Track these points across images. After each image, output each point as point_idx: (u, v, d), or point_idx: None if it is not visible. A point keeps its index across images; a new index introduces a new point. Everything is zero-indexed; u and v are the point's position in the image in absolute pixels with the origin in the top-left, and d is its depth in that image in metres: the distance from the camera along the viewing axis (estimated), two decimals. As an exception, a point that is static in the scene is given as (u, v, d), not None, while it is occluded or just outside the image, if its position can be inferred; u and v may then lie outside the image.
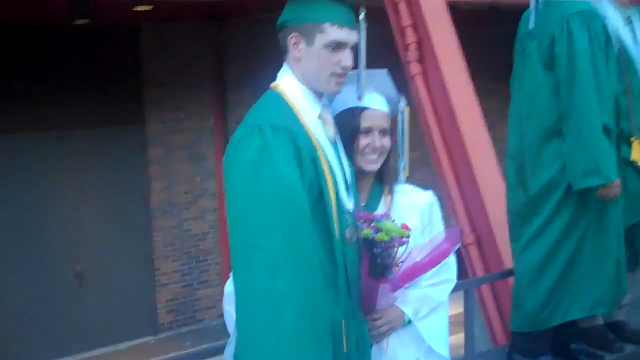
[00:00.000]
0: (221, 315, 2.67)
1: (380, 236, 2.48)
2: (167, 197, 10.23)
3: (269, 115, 2.38)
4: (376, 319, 2.68)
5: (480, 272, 5.39)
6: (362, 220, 2.53)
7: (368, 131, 2.73)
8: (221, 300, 2.73)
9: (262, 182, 2.25)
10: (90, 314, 9.76)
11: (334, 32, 2.41)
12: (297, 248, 2.24)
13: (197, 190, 10.43)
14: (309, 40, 2.42)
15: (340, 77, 2.46)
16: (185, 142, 10.33)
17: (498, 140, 12.51)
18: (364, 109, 2.74)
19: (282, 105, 2.44)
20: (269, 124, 2.32)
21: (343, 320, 2.40)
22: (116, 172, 9.92)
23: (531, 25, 3.86)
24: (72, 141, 9.58)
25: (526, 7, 4.02)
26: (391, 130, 2.81)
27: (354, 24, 2.46)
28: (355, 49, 2.48)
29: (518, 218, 3.98)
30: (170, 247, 10.27)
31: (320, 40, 2.41)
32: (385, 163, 2.79)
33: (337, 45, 2.42)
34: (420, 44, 6.11)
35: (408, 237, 2.52)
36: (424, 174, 11.32)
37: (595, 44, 3.69)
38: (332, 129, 2.56)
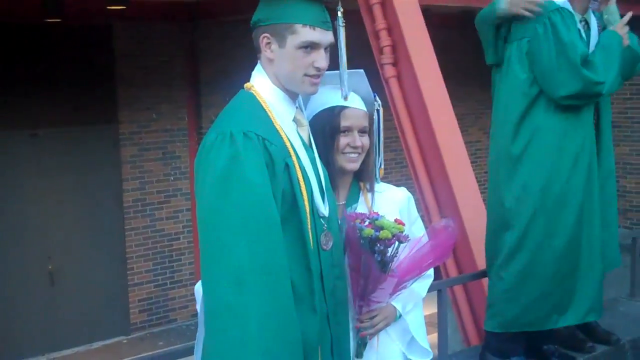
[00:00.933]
0: (194, 315, 2.68)
1: (384, 234, 2.53)
2: (140, 197, 10.19)
3: (242, 120, 2.33)
4: (374, 317, 2.72)
5: (453, 273, 5.43)
6: (359, 220, 2.57)
7: (348, 130, 2.74)
8: (194, 300, 2.75)
9: (231, 194, 2.21)
10: (62, 313, 9.70)
11: (306, 33, 2.35)
12: (265, 262, 2.20)
13: (170, 190, 10.40)
14: (281, 41, 2.37)
15: (315, 77, 2.41)
16: (159, 142, 10.30)
17: (471, 144, 12.62)
18: (343, 108, 2.74)
19: (256, 108, 2.40)
20: (241, 130, 2.27)
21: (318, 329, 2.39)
22: (89, 171, 9.86)
23: (504, 32, 3.94)
24: (44, 140, 9.52)
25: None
26: (368, 129, 2.84)
27: (327, 25, 2.40)
28: (330, 49, 2.44)
29: (498, 225, 4.04)
30: (143, 247, 10.23)
31: (293, 41, 2.35)
32: (363, 162, 2.82)
33: (310, 46, 2.36)
34: (394, 47, 6.14)
35: (403, 232, 2.56)
36: (398, 175, 11.43)
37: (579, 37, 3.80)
38: (306, 132, 2.53)
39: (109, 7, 8.32)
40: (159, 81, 10.16)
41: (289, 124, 2.43)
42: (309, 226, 2.37)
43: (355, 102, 2.78)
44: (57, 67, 9.36)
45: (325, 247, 2.43)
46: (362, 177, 2.86)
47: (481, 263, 4.83)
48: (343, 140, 2.74)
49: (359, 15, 6.35)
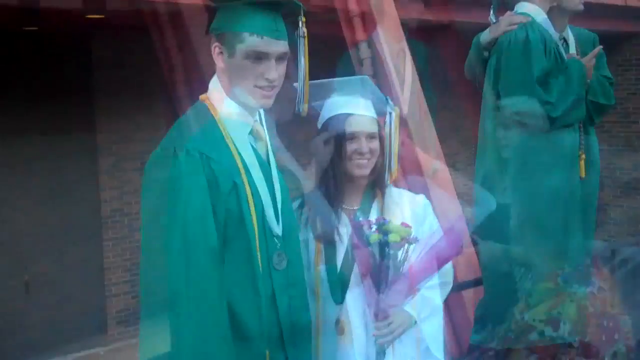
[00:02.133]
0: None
1: (393, 237, 2.54)
2: (118, 207, 10.11)
3: (189, 135, 2.28)
4: (390, 323, 2.70)
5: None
6: (366, 227, 2.56)
7: (354, 137, 2.77)
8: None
9: (169, 215, 2.18)
10: (37, 324, 9.58)
11: (253, 42, 2.29)
12: (197, 288, 2.17)
13: (148, 200, 10.32)
14: (230, 51, 2.32)
15: (267, 89, 2.34)
16: (137, 152, 10.22)
17: (450, 155, 12.63)
18: (348, 115, 2.77)
19: (208, 121, 2.34)
20: (185, 147, 2.22)
21: (267, 352, 2.35)
22: (66, 180, 9.77)
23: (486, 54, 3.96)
24: (20, 148, 9.42)
25: (474, 26, 4.10)
26: (380, 134, 2.83)
27: (277, 34, 2.33)
28: (287, 59, 2.39)
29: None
30: (121, 257, 10.14)
31: (240, 50, 2.30)
32: (375, 166, 2.82)
33: (259, 56, 2.30)
34: (374, 59, 6.17)
35: (410, 234, 2.56)
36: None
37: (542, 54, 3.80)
38: (264, 146, 2.47)
39: (87, 16, 8.25)
40: (137, 91, 10.10)
41: (243, 138, 2.37)
42: (258, 246, 2.32)
43: (360, 109, 2.79)
44: (34, 75, 9.27)
45: (278, 266, 2.39)
46: (374, 182, 2.85)
47: (460, 275, 4.83)
48: (350, 146, 2.77)
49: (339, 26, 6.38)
